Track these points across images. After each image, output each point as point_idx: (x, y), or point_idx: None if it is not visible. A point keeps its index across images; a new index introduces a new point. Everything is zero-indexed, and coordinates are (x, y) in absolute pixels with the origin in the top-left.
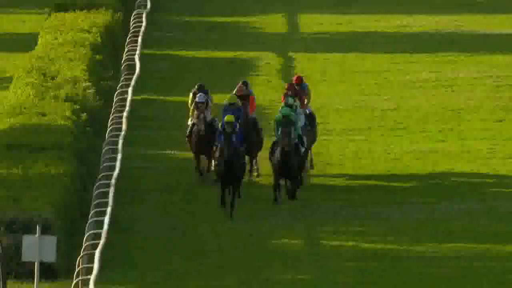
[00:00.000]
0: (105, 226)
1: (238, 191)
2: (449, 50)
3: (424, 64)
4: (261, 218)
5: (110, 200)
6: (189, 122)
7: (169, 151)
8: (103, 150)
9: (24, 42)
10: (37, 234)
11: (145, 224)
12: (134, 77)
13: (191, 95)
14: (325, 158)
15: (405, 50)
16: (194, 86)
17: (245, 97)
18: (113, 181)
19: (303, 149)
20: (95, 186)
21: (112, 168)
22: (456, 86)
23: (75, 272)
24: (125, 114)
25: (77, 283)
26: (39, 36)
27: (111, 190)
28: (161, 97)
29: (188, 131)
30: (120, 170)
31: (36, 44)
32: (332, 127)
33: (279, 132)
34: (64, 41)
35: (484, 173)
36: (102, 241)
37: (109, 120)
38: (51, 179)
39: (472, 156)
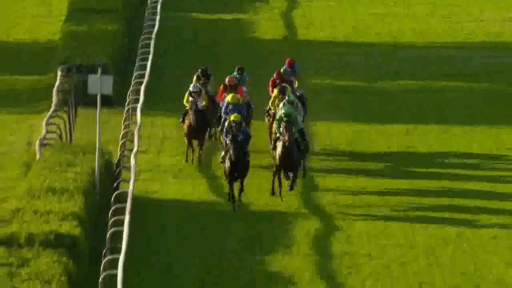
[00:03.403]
0: (148, 68)
1: (242, 186)
2: None
3: None
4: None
5: (151, 49)
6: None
7: (197, 13)
8: (146, 13)
9: None
10: (98, 74)
11: (178, 68)
12: None
13: (195, 77)
14: (308, 19)
15: None
16: (199, 70)
17: (235, 86)
18: (153, 35)
19: (304, 142)
20: (140, 39)
21: (153, 26)
22: None
23: (127, 101)
24: None
25: (128, 110)
26: None
27: (152, 42)
28: None
29: (181, 118)
30: (159, 27)
31: None
32: None
33: (281, 129)
34: None
35: (425, 29)
36: (145, 79)
37: None
38: (108, 35)
39: (416, 17)
